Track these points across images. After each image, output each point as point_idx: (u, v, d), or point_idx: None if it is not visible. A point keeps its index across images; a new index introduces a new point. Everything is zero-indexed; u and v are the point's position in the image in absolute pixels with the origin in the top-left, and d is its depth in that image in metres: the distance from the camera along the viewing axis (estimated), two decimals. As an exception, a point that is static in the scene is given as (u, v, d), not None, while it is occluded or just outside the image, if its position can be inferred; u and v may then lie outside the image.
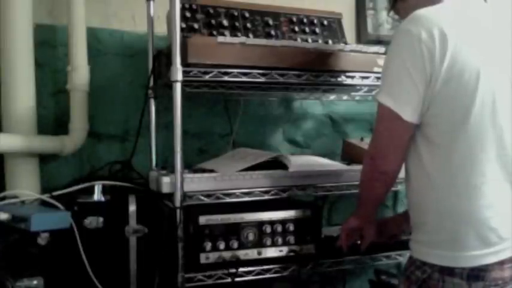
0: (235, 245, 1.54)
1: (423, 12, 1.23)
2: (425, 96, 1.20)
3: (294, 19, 1.83)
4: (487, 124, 1.19)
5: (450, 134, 1.20)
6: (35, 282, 1.41)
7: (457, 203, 1.21)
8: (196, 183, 1.50)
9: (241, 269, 1.52)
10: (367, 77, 1.67)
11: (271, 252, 1.58)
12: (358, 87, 1.79)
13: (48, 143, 1.71)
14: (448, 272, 1.20)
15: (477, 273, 1.18)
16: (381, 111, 1.26)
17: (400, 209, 2.30)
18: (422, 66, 1.18)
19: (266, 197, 1.56)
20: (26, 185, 1.66)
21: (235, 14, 1.74)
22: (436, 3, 1.27)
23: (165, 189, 1.49)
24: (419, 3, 1.28)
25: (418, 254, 1.28)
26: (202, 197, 1.50)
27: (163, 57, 1.64)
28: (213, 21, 1.69)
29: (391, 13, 1.48)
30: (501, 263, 1.19)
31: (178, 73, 1.44)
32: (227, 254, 1.53)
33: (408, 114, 1.21)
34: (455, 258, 1.20)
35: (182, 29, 1.57)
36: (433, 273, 1.22)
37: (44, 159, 1.76)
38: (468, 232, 1.19)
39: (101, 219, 1.57)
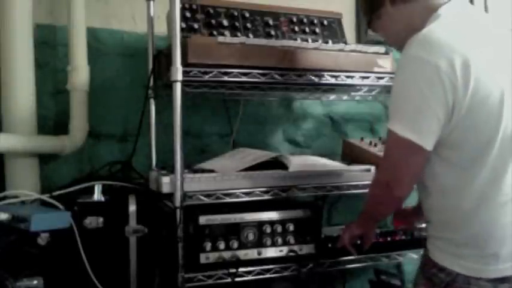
0: (235, 245, 1.54)
1: (435, 36, 1.17)
2: (445, 125, 1.17)
3: (294, 19, 1.83)
4: (510, 145, 1.19)
5: (475, 158, 1.19)
6: (35, 282, 1.40)
7: (487, 220, 1.21)
8: (196, 183, 1.50)
9: (241, 269, 1.52)
10: (367, 77, 1.67)
11: (271, 252, 1.58)
12: (358, 87, 1.79)
13: (48, 143, 1.71)
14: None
15: (504, 278, 1.20)
16: (398, 142, 1.20)
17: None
18: (443, 97, 1.14)
19: (266, 197, 1.56)
20: (26, 185, 1.66)
21: (235, 14, 1.74)
22: (432, 13, 1.23)
23: (165, 189, 1.49)
24: (415, 15, 1.26)
25: (443, 262, 1.26)
26: (202, 197, 1.49)
27: (163, 57, 1.64)
28: (213, 21, 1.69)
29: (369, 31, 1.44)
30: None
31: (178, 73, 1.44)
32: (227, 254, 1.53)
33: (430, 144, 1.18)
34: (483, 270, 1.21)
35: (182, 29, 1.57)
36: (458, 276, 1.22)
37: (44, 159, 1.76)
38: (497, 248, 1.20)
39: (101, 219, 1.57)
